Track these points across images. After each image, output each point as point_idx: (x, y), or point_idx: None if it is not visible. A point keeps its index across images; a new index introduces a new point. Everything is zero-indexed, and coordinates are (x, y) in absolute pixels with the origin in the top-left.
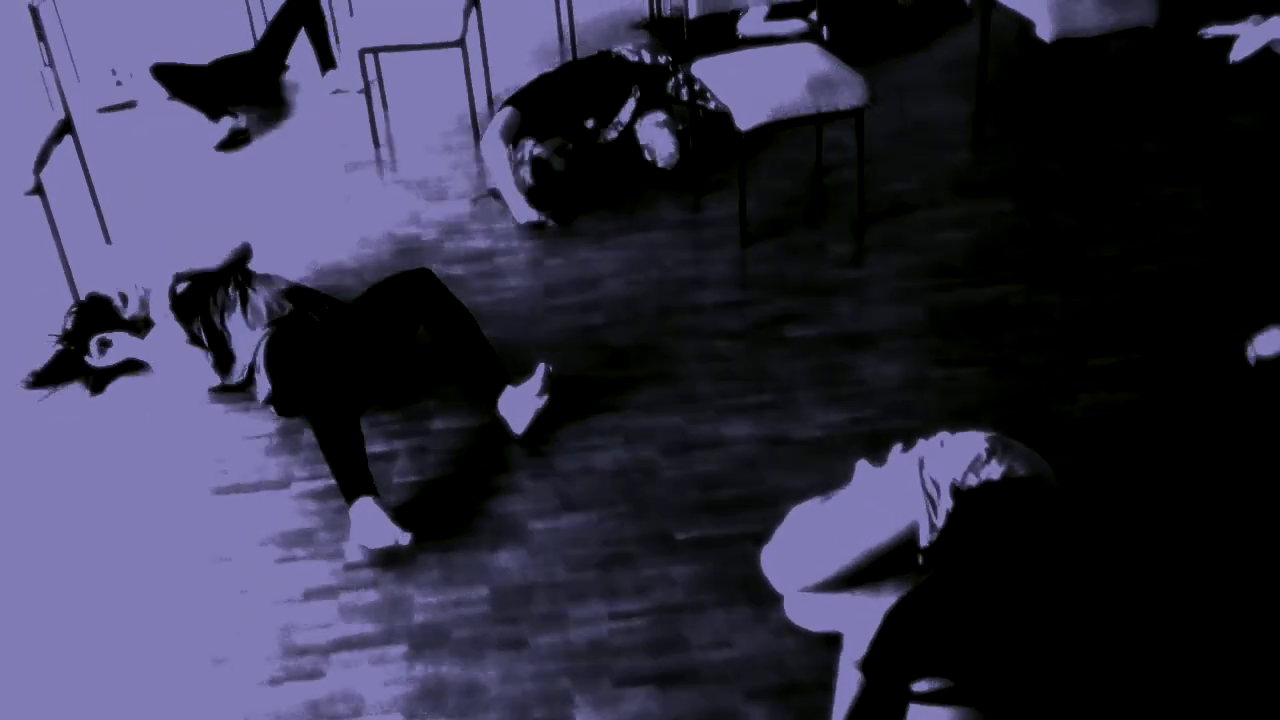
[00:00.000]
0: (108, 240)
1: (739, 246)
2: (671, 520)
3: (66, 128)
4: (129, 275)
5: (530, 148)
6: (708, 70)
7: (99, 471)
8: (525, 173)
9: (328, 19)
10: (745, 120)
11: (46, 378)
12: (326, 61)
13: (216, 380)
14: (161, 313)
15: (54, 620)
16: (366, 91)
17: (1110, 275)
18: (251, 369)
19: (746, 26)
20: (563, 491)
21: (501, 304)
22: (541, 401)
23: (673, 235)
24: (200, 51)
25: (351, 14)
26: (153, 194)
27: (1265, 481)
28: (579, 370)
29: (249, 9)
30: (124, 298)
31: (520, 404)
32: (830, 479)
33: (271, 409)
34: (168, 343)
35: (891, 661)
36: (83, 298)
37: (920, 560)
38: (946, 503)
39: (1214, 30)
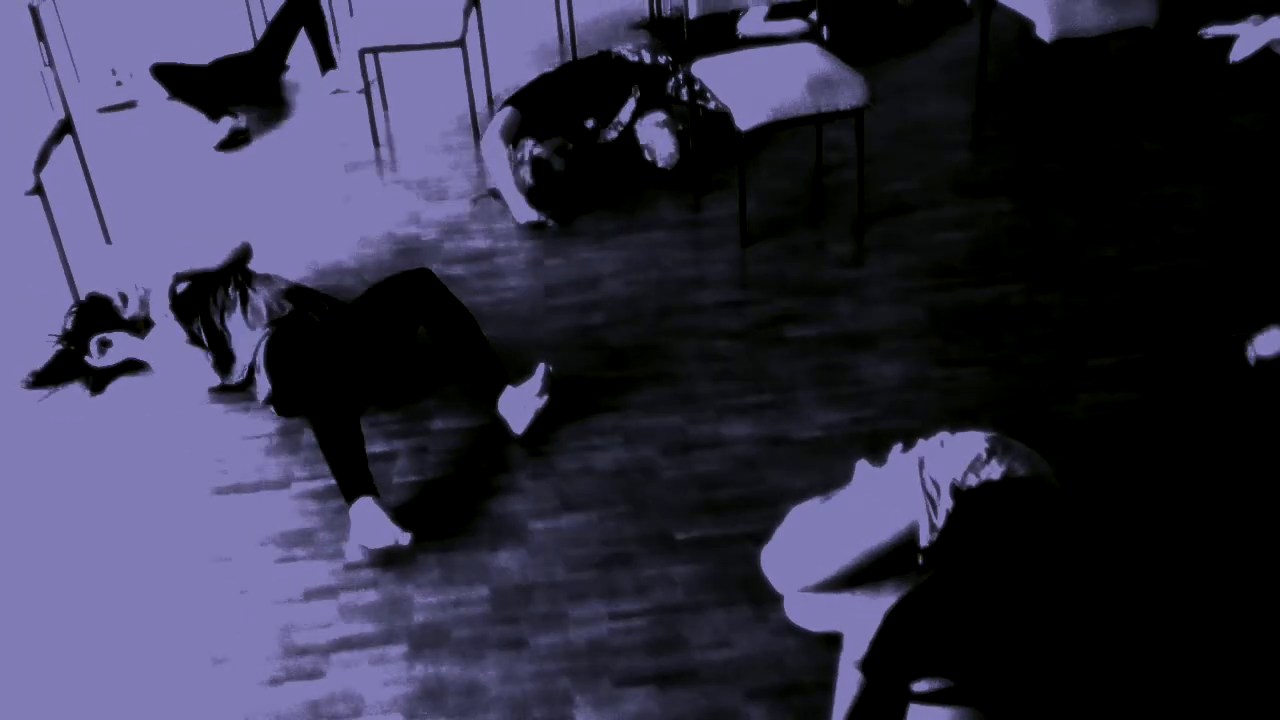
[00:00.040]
0: (108, 240)
1: (739, 246)
2: (671, 520)
3: (66, 128)
4: (129, 275)
5: (530, 148)
6: (708, 70)
7: (99, 471)
8: (525, 173)
9: (328, 19)
10: (745, 120)
11: (46, 378)
12: (326, 61)
13: (216, 380)
14: (161, 313)
15: (54, 620)
16: (366, 91)
17: (1110, 275)
18: (251, 369)
19: (746, 26)
20: (563, 491)
21: (501, 304)
22: (541, 401)
23: (673, 235)
24: (200, 51)
25: (351, 14)
26: (153, 194)
27: (1265, 481)
28: (579, 370)
29: (249, 9)
30: (124, 298)
31: (520, 404)
32: (830, 479)
33: (271, 409)
34: (168, 343)
35: (891, 661)
36: (83, 298)
37: (920, 560)
38: (946, 503)
39: (1214, 30)
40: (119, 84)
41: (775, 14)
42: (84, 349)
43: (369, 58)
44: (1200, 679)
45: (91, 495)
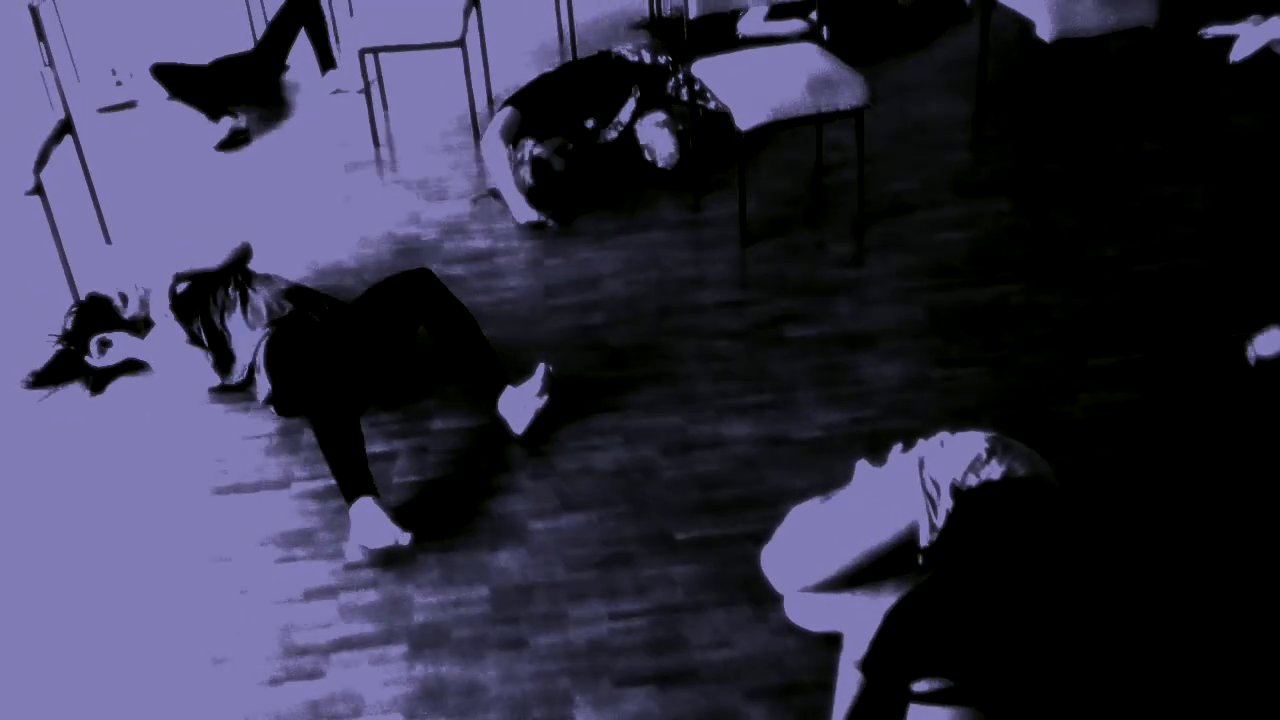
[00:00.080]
0: (108, 240)
1: (739, 246)
2: (671, 520)
3: (66, 128)
4: (129, 275)
5: (530, 148)
6: (708, 70)
7: (99, 471)
8: (525, 173)
9: (328, 19)
10: (745, 120)
11: (46, 378)
12: (326, 61)
13: (216, 380)
14: (161, 313)
15: (54, 620)
16: (366, 91)
17: (1110, 275)
18: (251, 369)
19: (746, 26)
20: (562, 491)
21: (501, 304)
22: (541, 401)
23: (673, 235)
24: (200, 51)
25: (351, 14)
26: (153, 194)
27: (1265, 481)
28: (579, 370)
29: (249, 9)
30: (124, 298)
31: (520, 404)
32: (830, 479)
33: (271, 409)
34: (168, 343)
35: (891, 661)
36: (83, 298)
37: (920, 560)
38: (946, 503)
39: (1214, 30)
40: (119, 84)
41: (775, 14)
42: (84, 349)
43: (369, 58)
44: (1200, 678)
45: (92, 495)
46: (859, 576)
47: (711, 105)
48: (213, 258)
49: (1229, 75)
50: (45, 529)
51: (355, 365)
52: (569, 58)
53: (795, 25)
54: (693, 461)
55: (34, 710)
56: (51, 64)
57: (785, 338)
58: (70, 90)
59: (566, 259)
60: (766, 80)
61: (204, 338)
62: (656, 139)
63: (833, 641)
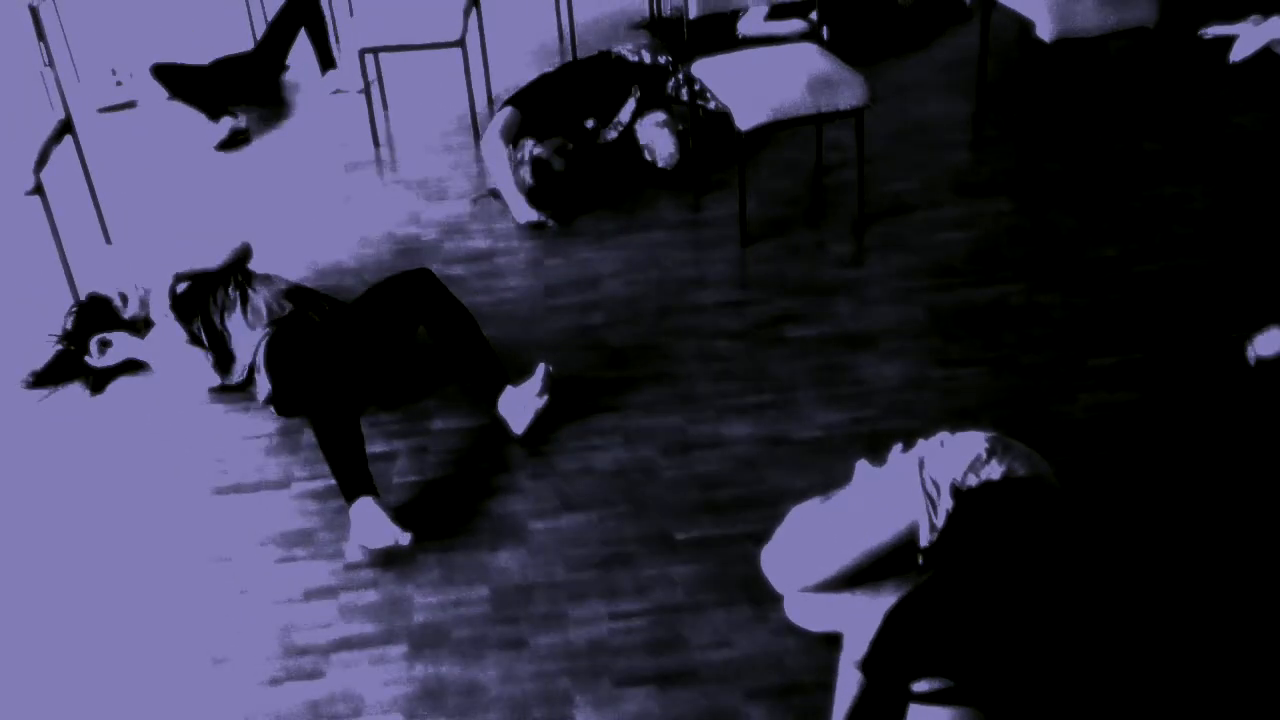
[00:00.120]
0: (108, 240)
1: (739, 246)
2: (671, 520)
3: (66, 128)
4: (129, 275)
5: (530, 148)
6: (708, 70)
7: (99, 471)
8: (525, 173)
9: (328, 19)
10: (745, 120)
11: (46, 378)
12: (326, 62)
13: (216, 380)
14: (161, 313)
15: (54, 620)
16: (366, 91)
17: (1110, 275)
18: (251, 369)
19: (746, 26)
20: (562, 491)
21: (501, 304)
22: (541, 401)
23: (673, 235)
24: (200, 51)
25: (351, 14)
26: (153, 194)
27: (1265, 481)
28: (579, 370)
29: (249, 9)
30: (124, 298)
31: (520, 404)
32: (830, 479)
33: (271, 409)
34: (168, 343)
35: (892, 661)
36: (83, 298)
37: (920, 560)
38: (947, 503)
39: (1214, 30)
40: (119, 84)
41: (775, 14)
42: (84, 349)
43: (369, 57)
44: (1200, 678)
45: (92, 495)
46: (859, 576)
47: (711, 105)
48: (213, 258)
49: (1229, 75)
50: (45, 529)
51: (355, 365)
52: (569, 58)
53: (795, 25)
54: (693, 461)
55: (35, 710)
56: (51, 64)
57: (785, 338)
58: (70, 90)
59: (566, 259)
60: (767, 80)
61: (204, 338)
62: (657, 139)
63: (833, 641)
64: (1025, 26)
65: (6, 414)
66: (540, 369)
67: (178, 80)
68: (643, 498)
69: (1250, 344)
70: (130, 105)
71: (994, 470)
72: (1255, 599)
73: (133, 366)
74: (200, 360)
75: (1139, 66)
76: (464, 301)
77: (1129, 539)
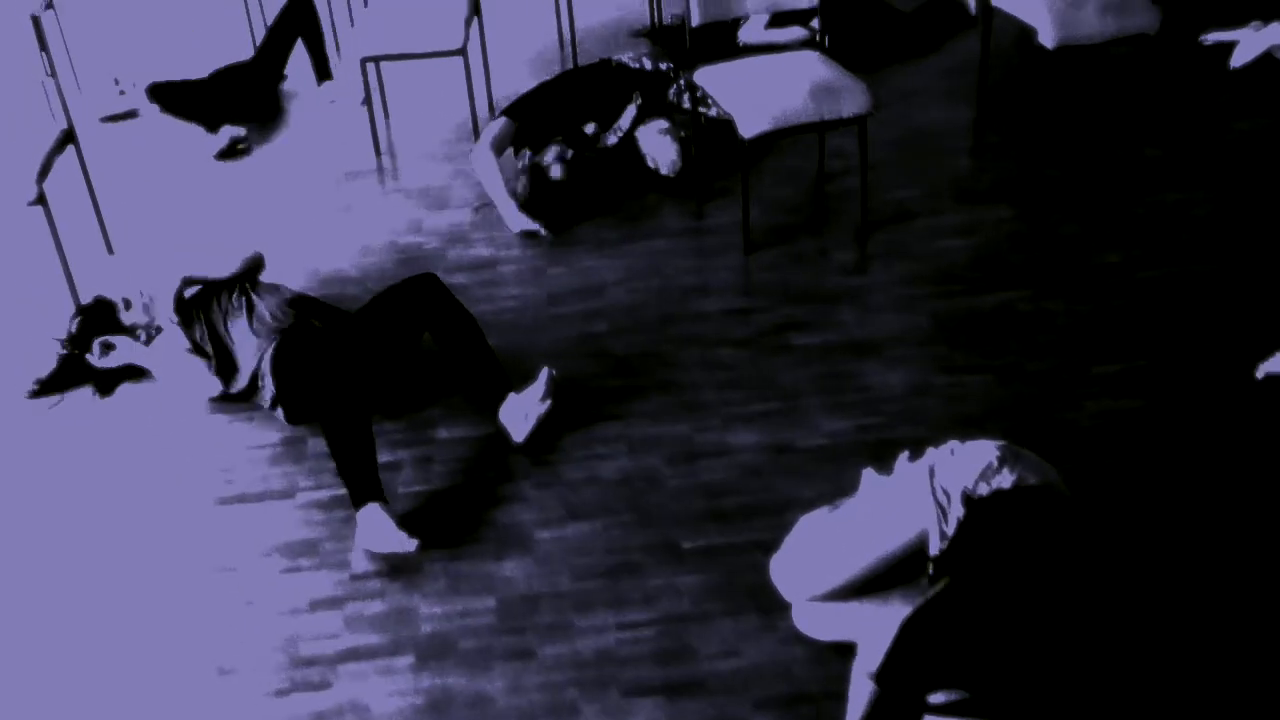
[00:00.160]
0: (110, 250)
1: (742, 254)
2: (677, 529)
3: (69, 138)
4: (131, 285)
5: (529, 156)
6: (710, 78)
7: (104, 481)
8: (524, 181)
9: (326, 30)
10: (748, 128)
11: (52, 384)
12: (323, 73)
13: (218, 389)
14: (166, 318)
15: (60, 631)
16: (368, 100)
17: (1114, 282)
18: (256, 376)
19: (747, 35)
20: (568, 500)
21: (504, 313)
22: (545, 406)
23: (675, 243)
24: (200, 58)
25: (352, 23)
26: (155, 204)
27: (1272, 487)
28: (583, 378)
29: (249, 17)
30: (127, 303)
31: (522, 411)
32: (837, 487)
33: (279, 414)
34: (171, 350)
35: (907, 673)
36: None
37: (930, 569)
38: (958, 511)
39: (1215, 36)
40: (122, 93)
41: (776, 21)
42: (87, 349)
43: (370, 66)
44: (1211, 685)
45: (97, 505)
46: (868, 585)
47: (713, 112)
48: (223, 267)
49: (1230, 81)
50: (50, 539)
51: (364, 369)
52: (570, 66)
53: (797, 33)
54: (698, 470)
55: None
56: (54, 74)
57: (790, 345)
58: (72, 100)
59: (569, 267)
60: (769, 88)
61: (207, 345)
62: (659, 146)
63: (842, 650)
64: (1027, 33)
65: (11, 424)
66: (543, 374)
67: (175, 98)
68: (648, 507)
69: (1259, 367)
70: (132, 115)
71: (1005, 479)
72: (1264, 603)
73: (135, 373)
74: (202, 370)
75: (1140, 73)
76: None
77: (1139, 547)
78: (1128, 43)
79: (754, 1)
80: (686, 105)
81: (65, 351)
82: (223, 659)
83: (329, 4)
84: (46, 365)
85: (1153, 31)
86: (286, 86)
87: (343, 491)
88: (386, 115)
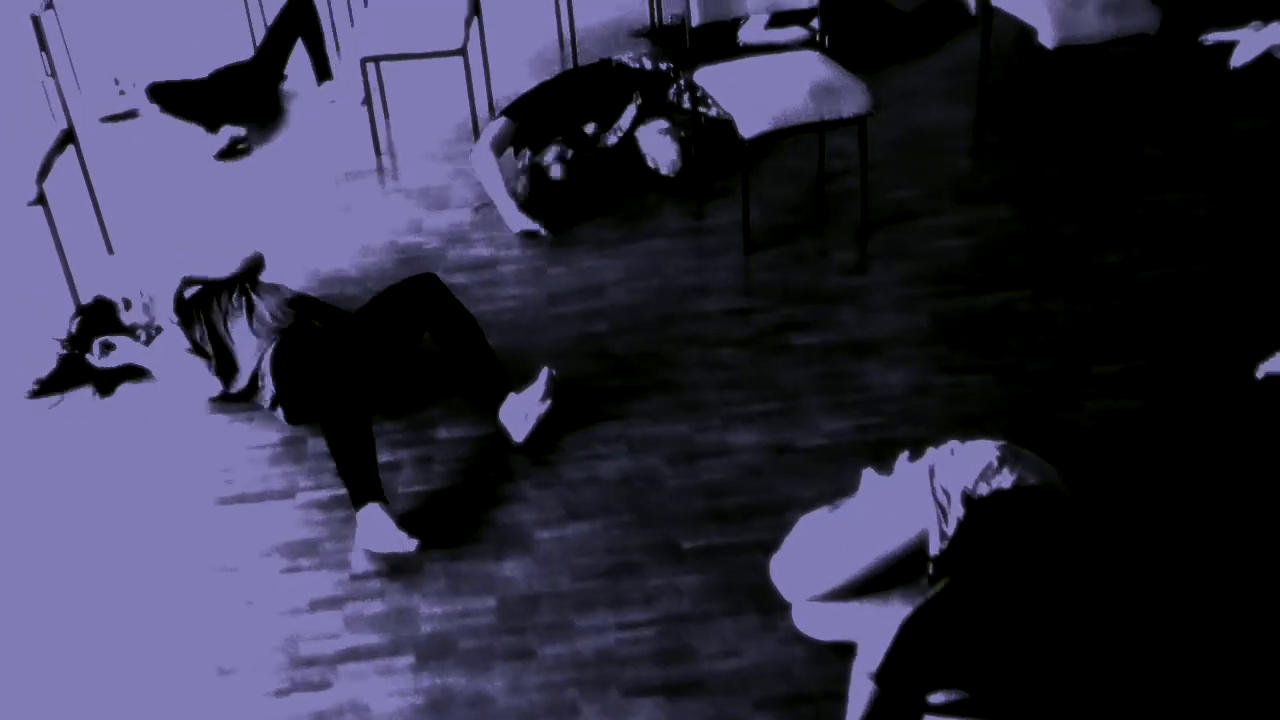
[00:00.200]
0: (110, 250)
1: (742, 254)
2: (678, 529)
3: (69, 138)
4: (131, 286)
5: (529, 156)
6: (710, 78)
7: (104, 482)
8: (524, 181)
9: (326, 29)
10: (748, 128)
11: (52, 384)
12: (323, 73)
13: (218, 389)
14: (166, 318)
15: (60, 631)
16: (368, 100)
17: (1114, 282)
18: (256, 376)
19: (747, 35)
20: (568, 500)
21: (504, 313)
22: (545, 406)
23: (675, 243)
24: (200, 58)
25: (352, 24)
26: (155, 204)
27: (1273, 487)
28: (583, 378)
29: (249, 17)
30: (127, 303)
31: (522, 411)
32: (837, 487)
33: (279, 413)
34: (171, 350)
35: (907, 673)
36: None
37: (930, 569)
38: (958, 511)
39: (1215, 36)
40: (122, 93)
41: (776, 21)
42: (87, 349)
43: (370, 66)
44: (1211, 685)
45: (96, 505)
46: (868, 585)
47: (713, 112)
48: (223, 267)
49: (1230, 81)
50: (50, 539)
51: (364, 369)
52: (570, 66)
53: (797, 33)
54: (698, 470)
55: None
56: (54, 74)
57: (790, 345)
58: (72, 100)
59: (569, 267)
60: (769, 88)
61: (207, 345)
62: (659, 146)
63: (841, 650)
64: (1027, 33)
65: (11, 424)
66: (543, 373)
67: (174, 98)
68: (648, 507)
69: (1259, 367)
70: (132, 115)
71: (1005, 479)
72: (1263, 603)
73: (135, 373)
74: (202, 370)
75: (1140, 73)
76: None
77: (1139, 547)
78: (1128, 43)
79: (754, 1)
80: (686, 105)
81: (65, 351)
82: (223, 659)
83: (329, 4)
84: (46, 365)
85: (1153, 31)
86: (286, 86)
87: (343, 491)
88: (386, 115)
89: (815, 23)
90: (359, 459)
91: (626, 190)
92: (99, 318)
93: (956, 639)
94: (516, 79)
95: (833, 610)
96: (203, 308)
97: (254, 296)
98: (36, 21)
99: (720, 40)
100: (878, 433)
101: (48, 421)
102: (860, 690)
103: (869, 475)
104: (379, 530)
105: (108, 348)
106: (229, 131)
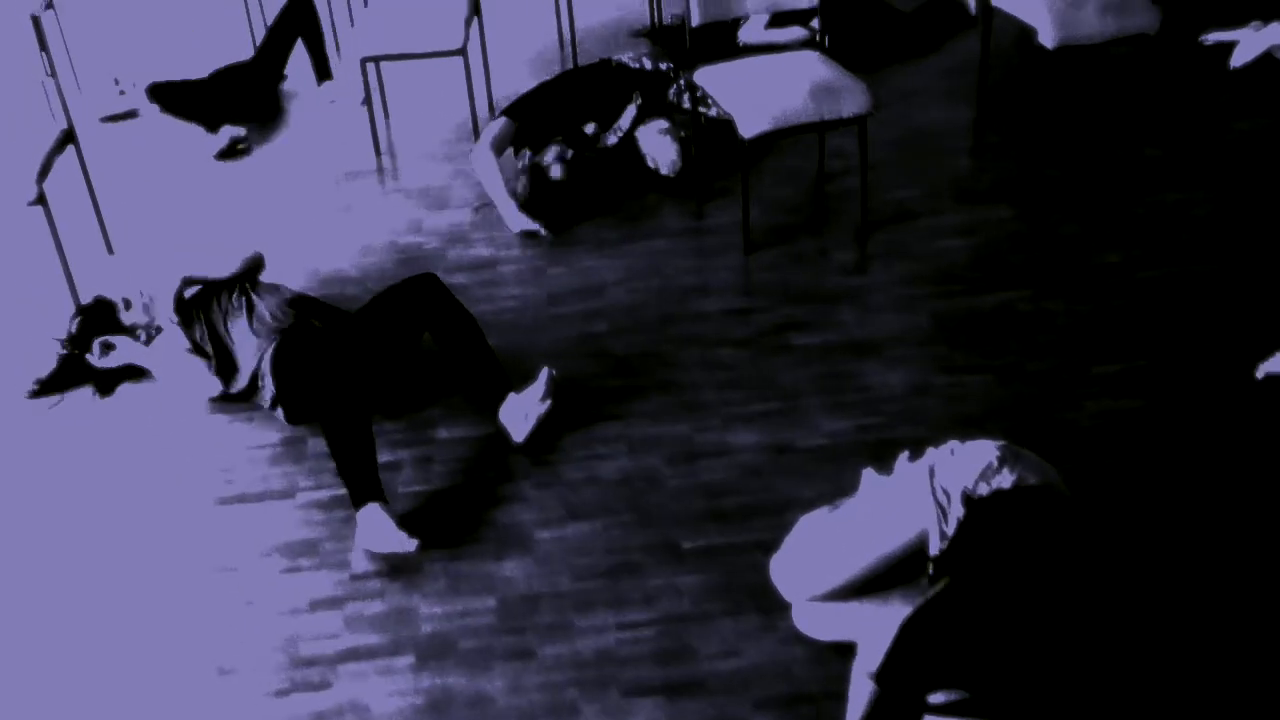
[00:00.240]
0: (110, 250)
1: (742, 254)
2: (677, 529)
3: (69, 138)
4: (131, 286)
5: (529, 156)
6: (710, 78)
7: (104, 482)
8: (524, 181)
9: (326, 29)
10: (748, 128)
11: (52, 384)
12: (323, 73)
13: (218, 389)
14: (166, 318)
15: (60, 631)
16: (368, 100)
17: (1113, 282)
18: (256, 376)
19: (747, 35)
20: (568, 500)
21: (504, 313)
22: (545, 406)
23: (675, 243)
24: (200, 58)
25: (352, 24)
26: (155, 204)
27: (1273, 487)
28: (583, 378)
29: (249, 17)
30: (127, 303)
31: (522, 411)
32: (837, 487)
33: (279, 413)
34: (171, 350)
35: (908, 673)
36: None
37: (930, 569)
38: (958, 511)
39: (1215, 36)
40: (122, 93)
41: (776, 22)
42: (87, 349)
43: (370, 66)
44: (1211, 685)
45: (96, 505)
46: (868, 585)
47: (713, 112)
48: (223, 267)
49: (1230, 81)
50: (50, 539)
51: (364, 369)
52: (570, 66)
53: (797, 33)
54: (698, 470)
55: None
56: (54, 74)
57: (790, 345)
58: (72, 100)
59: (569, 267)
60: (769, 88)
61: (207, 345)
62: (659, 146)
63: (841, 650)
64: (1027, 33)
65: (11, 424)
66: (544, 373)
67: (174, 98)
68: (648, 507)
69: (1259, 367)
70: (132, 115)
71: (1005, 479)
72: (1263, 603)
73: (135, 373)
74: (202, 370)
75: (1140, 73)
76: None
77: (1139, 547)
78: (1128, 43)
79: (754, 1)
80: (686, 105)
81: (65, 351)
82: (223, 659)
83: (329, 4)
84: (46, 365)
85: (1153, 31)
86: (286, 86)
87: (343, 491)
88: (386, 115)
89: (815, 23)
90: (359, 459)
91: (626, 190)
92: (99, 318)
93: (956, 639)
94: (516, 79)
95: (833, 610)
96: (203, 308)
97: (254, 296)
98: (36, 21)
99: (720, 40)
100: (878, 433)
101: (48, 421)
102: (860, 690)
103: (869, 475)
104: (379, 530)
105: (108, 348)
106: (229, 131)
